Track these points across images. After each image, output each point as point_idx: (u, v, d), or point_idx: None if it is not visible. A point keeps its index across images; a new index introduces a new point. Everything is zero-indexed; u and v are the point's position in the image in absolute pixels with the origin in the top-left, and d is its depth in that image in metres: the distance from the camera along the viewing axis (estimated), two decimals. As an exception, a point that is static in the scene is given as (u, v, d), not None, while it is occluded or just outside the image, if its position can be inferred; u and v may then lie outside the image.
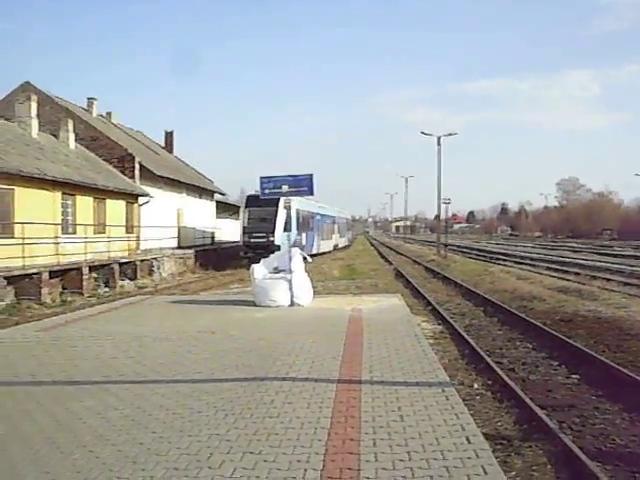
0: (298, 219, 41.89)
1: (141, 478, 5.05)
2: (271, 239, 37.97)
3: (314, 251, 47.93)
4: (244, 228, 39.89)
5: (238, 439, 5.91)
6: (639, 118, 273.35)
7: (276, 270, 16.47)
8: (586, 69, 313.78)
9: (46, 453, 5.67)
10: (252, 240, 38.61)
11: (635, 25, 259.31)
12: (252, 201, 38.43)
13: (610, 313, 16.19)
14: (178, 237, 41.88)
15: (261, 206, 36.62)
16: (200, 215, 47.31)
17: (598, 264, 38.13)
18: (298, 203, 39.40)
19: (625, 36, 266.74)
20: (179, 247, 40.25)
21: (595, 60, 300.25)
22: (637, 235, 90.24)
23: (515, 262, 42.43)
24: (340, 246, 68.77)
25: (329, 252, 56.67)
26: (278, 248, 31.56)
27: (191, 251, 39.29)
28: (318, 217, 53.31)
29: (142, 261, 31.34)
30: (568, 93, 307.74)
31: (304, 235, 45.36)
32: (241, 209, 42.98)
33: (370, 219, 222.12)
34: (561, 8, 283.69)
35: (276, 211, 37.20)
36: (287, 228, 37.55)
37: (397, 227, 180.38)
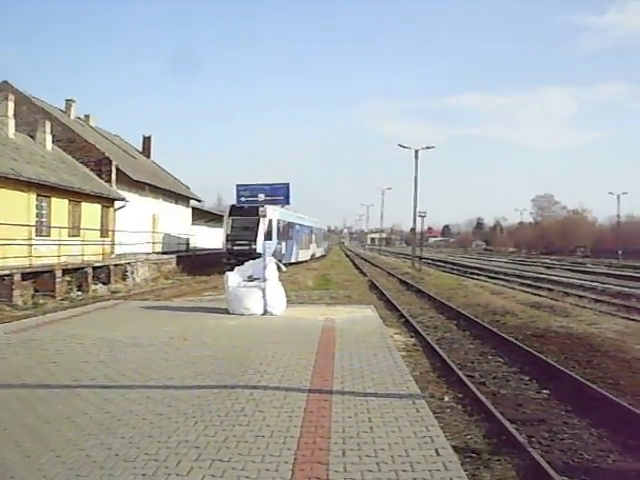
0: (279, 228, 44.32)
1: (108, 484, 5.02)
2: (253, 247, 38.88)
3: (293, 260, 50.15)
4: (227, 236, 41.20)
5: (207, 446, 5.88)
6: (614, 137, 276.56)
7: (250, 278, 16.43)
8: (566, 87, 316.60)
9: (12, 457, 5.59)
10: (235, 248, 39.76)
11: (616, 45, 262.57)
12: (235, 210, 39.34)
13: (581, 329, 16.35)
14: (153, 242, 41.71)
15: (244, 215, 38.14)
16: (176, 221, 47.11)
17: (571, 281, 38.49)
18: (279, 213, 43.82)
19: (605, 56, 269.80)
20: (154, 252, 40.07)
21: (575, 78, 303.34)
22: (610, 253, 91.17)
23: (489, 277, 42.72)
24: (317, 255, 71.00)
25: (306, 261, 58.36)
26: (260, 256, 29.60)
27: (166, 257, 39.20)
28: (297, 227, 54.95)
29: (116, 266, 31.16)
30: (547, 110, 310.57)
31: (284, 244, 46.85)
32: (225, 218, 44.09)
33: (346, 230, 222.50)
34: (543, 26, 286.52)
35: (258, 220, 38.46)
36: (268, 237, 39.11)
37: (372, 239, 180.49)
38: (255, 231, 40.12)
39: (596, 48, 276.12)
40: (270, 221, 41.31)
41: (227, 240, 41.28)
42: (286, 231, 48.69)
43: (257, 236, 39.87)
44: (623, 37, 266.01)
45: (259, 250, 35.41)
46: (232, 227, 41.17)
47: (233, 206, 39.86)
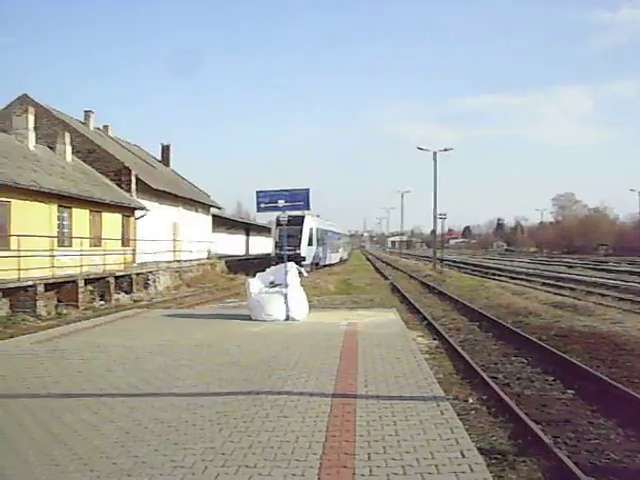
0: (317, 236, 52.95)
1: (136, 491, 5.06)
2: (297, 252, 46.01)
3: (327, 262, 59.80)
4: (276, 243, 47.40)
5: (233, 453, 5.90)
6: (632, 133, 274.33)
7: (272, 284, 16.49)
8: (580, 85, 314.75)
9: (40, 465, 5.65)
10: (282, 252, 39.72)
11: (630, 41, 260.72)
12: (280, 221, 40.98)
13: (605, 328, 16.23)
14: (174, 251, 41.92)
15: (289, 225, 38.02)
16: (196, 229, 47.30)
17: (593, 279, 38.23)
18: (317, 222, 53.55)
19: (619, 53, 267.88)
20: (175, 260, 40.26)
21: (589, 76, 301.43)
22: (632, 251, 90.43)
23: (510, 277, 42.54)
24: (344, 258, 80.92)
25: (336, 263, 66.68)
26: (304, 259, 45.61)
27: (188, 264, 39.45)
28: (329, 234, 63.56)
29: (138, 274, 31.30)
30: (563, 109, 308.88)
31: (321, 249, 55.87)
32: (272, 228, 50.40)
33: (366, 234, 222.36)
34: (556, 24, 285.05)
35: (301, 229, 47.64)
36: (310, 243, 49.59)
37: (393, 242, 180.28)
38: (299, 238, 47.49)
39: (611, 45, 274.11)
40: (310, 229, 50.18)
41: (275, 246, 47.39)
42: (322, 237, 56.53)
43: (301, 242, 47.86)
44: (637, 33, 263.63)
45: (303, 254, 47.50)
46: (279, 235, 44.81)
47: (278, 217, 40.43)
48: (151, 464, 5.63)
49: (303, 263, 44.84)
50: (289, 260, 31.97)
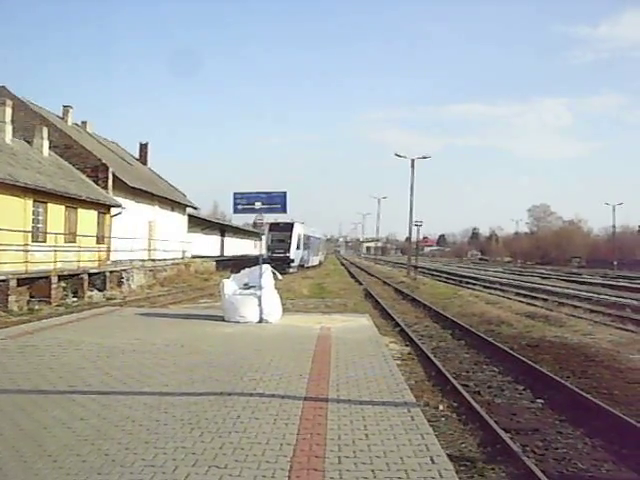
0: (303, 241, 60.95)
1: (105, 489, 5.04)
2: (287, 254, 55.59)
3: (310, 264, 67.67)
4: (268, 246, 54.24)
5: (204, 453, 5.91)
6: (610, 148, 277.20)
7: (246, 286, 16.47)
8: (560, 97, 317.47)
9: (8, 462, 5.61)
10: (274, 255, 53.37)
11: (612, 57, 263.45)
12: (273, 227, 55.56)
13: (576, 339, 16.41)
14: (149, 250, 41.76)
15: (280, 231, 55.96)
16: (172, 228, 47.14)
17: (566, 291, 38.51)
18: (303, 229, 62.35)
19: (601, 67, 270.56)
20: (150, 259, 40.11)
21: (570, 89, 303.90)
22: (605, 263, 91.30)
23: (484, 286, 42.71)
24: (322, 261, 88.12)
25: (316, 265, 73.72)
26: (292, 261, 55.63)
27: (162, 264, 39.34)
28: (312, 238, 70.97)
29: (112, 272, 31.16)
30: (542, 121, 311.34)
31: (306, 252, 63.66)
32: (265, 233, 52.63)
33: (341, 239, 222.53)
34: (537, 37, 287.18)
35: (291, 235, 56.61)
36: (297, 247, 57.76)
37: (368, 248, 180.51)
38: (289, 243, 56.44)
39: (590, 60, 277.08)
40: (298, 235, 58.50)
41: (268, 249, 53.56)
42: (307, 242, 64.37)
43: (290, 246, 56.27)
44: (616, 49, 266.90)
45: (292, 257, 56.23)
46: (271, 240, 55.60)
47: (271, 223, 54.59)
48: (121, 462, 5.62)
49: (292, 265, 56.26)
50: (280, 262, 40.55)
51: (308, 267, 64.64)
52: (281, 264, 48.76)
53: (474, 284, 45.34)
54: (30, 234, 26.00)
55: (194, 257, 50.09)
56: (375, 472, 5.48)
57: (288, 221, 57.04)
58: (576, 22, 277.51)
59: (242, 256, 64.63)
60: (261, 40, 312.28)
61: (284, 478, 5.30)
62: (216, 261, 54.48)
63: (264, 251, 50.86)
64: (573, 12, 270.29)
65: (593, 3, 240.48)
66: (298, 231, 58.95)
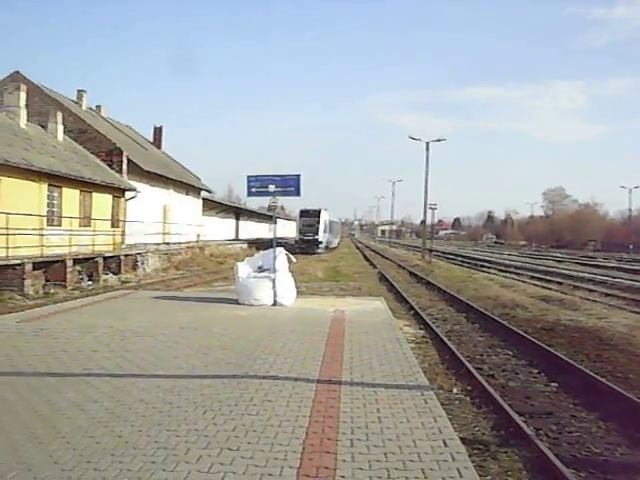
0: (328, 225, 70.29)
1: (118, 470, 5.06)
2: (316, 237, 64.93)
3: (332, 245, 78.23)
4: (300, 229, 67.03)
5: (216, 435, 5.93)
6: (625, 131, 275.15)
7: (260, 269, 16.47)
8: (574, 80, 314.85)
9: (24, 443, 5.66)
10: (304, 237, 65.21)
11: (627, 39, 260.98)
12: (304, 213, 67.38)
13: (591, 323, 16.31)
14: (163, 233, 41.88)
15: (309, 217, 66.22)
16: (186, 212, 47.22)
17: (581, 274, 38.38)
18: (328, 215, 71.30)
19: (616, 49, 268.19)
20: (164, 243, 40.23)
21: (584, 72, 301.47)
22: (621, 247, 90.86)
23: (499, 270, 42.63)
24: (340, 242, 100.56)
25: (336, 247, 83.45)
26: (321, 243, 65.19)
27: (176, 247, 39.47)
28: (333, 223, 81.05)
29: (126, 256, 31.26)
30: (556, 103, 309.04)
31: (329, 235, 72.56)
32: (297, 218, 71.96)
33: (356, 222, 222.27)
34: (553, 19, 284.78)
35: (318, 220, 65.78)
36: (324, 231, 66.96)
37: (383, 231, 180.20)
38: (317, 227, 65.34)
39: (606, 41, 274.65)
40: (325, 221, 67.71)
41: (299, 232, 66.89)
42: (330, 226, 73.28)
43: (318, 230, 65.17)
44: (633, 30, 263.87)
45: (320, 239, 65.22)
46: (302, 224, 66.68)
47: (302, 210, 68.32)
48: (134, 444, 5.65)
49: (320, 245, 65.31)
50: (310, 243, 57.61)
51: (331, 248, 73.84)
52: (311, 245, 63.09)
53: (489, 267, 45.30)
54: (45, 218, 26.10)
55: (213, 240, 50.28)
56: (387, 455, 5.48)
57: (316, 208, 67.53)
58: (590, 3, 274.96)
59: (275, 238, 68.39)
60: (273, 25, 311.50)
61: (296, 460, 5.31)
62: (248, 243, 61.25)
63: (296, 234, 69.23)
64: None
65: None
66: (325, 217, 68.06)
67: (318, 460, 5.31)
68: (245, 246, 58.94)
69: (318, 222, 65.70)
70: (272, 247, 16.51)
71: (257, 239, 67.77)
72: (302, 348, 10.28)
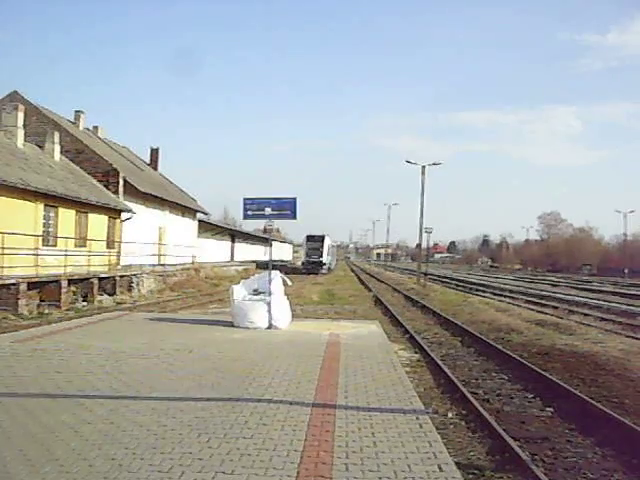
0: (329, 249, 79.11)
1: (111, 494, 5.03)
2: (321, 259, 74.16)
3: (332, 267, 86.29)
4: (306, 252, 76.62)
5: (211, 458, 5.90)
6: (620, 155, 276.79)
7: (256, 292, 16.45)
8: (569, 105, 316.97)
9: (16, 465, 5.62)
10: (310, 259, 74.54)
11: (622, 65, 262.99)
12: (310, 238, 76.58)
13: (586, 348, 16.27)
14: (159, 255, 41.85)
15: (315, 241, 75.57)
16: (182, 233, 47.22)
17: (576, 299, 38.38)
18: (330, 240, 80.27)
19: (610, 75, 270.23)
20: (160, 264, 40.18)
21: (580, 97, 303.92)
22: (616, 271, 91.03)
23: (494, 294, 42.60)
24: (337, 265, 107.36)
25: (334, 269, 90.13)
26: (324, 264, 74.53)
27: (172, 269, 39.42)
28: (332, 248, 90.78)
29: (122, 277, 31.20)
30: (552, 128, 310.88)
31: (331, 258, 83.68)
32: (302, 244, 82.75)
33: (352, 245, 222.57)
34: (546, 44, 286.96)
35: (322, 244, 74.93)
36: (328, 254, 76.64)
37: (378, 254, 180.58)
38: (321, 250, 74.51)
39: (599, 67, 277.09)
40: (328, 245, 77.13)
41: (306, 255, 76.43)
42: (331, 250, 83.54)
43: (323, 253, 74.53)
44: (626, 57, 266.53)
45: (324, 261, 74.73)
46: (308, 248, 75.76)
47: (308, 235, 77.47)
48: (128, 468, 5.61)
49: (324, 267, 73.88)
50: (315, 264, 73.68)
51: (331, 269, 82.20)
52: (316, 266, 72.18)
53: (484, 291, 45.28)
54: (41, 238, 26.10)
55: (208, 262, 50.20)
56: (382, 479, 5.45)
57: (320, 234, 77.57)
58: (584, 30, 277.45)
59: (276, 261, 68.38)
60: (270, 46, 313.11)
61: (291, 485, 5.27)
62: (256, 263, 64.13)
63: (303, 256, 79.88)
64: (581, 19, 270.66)
65: (601, 10, 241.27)
66: (327, 242, 77.41)
67: (313, 484, 5.28)
68: (240, 268, 58.90)
69: (322, 246, 75.08)
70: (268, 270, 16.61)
71: (253, 261, 68.10)
72: (297, 371, 10.26)
